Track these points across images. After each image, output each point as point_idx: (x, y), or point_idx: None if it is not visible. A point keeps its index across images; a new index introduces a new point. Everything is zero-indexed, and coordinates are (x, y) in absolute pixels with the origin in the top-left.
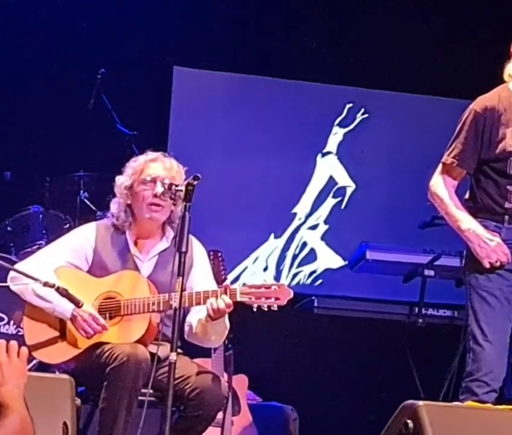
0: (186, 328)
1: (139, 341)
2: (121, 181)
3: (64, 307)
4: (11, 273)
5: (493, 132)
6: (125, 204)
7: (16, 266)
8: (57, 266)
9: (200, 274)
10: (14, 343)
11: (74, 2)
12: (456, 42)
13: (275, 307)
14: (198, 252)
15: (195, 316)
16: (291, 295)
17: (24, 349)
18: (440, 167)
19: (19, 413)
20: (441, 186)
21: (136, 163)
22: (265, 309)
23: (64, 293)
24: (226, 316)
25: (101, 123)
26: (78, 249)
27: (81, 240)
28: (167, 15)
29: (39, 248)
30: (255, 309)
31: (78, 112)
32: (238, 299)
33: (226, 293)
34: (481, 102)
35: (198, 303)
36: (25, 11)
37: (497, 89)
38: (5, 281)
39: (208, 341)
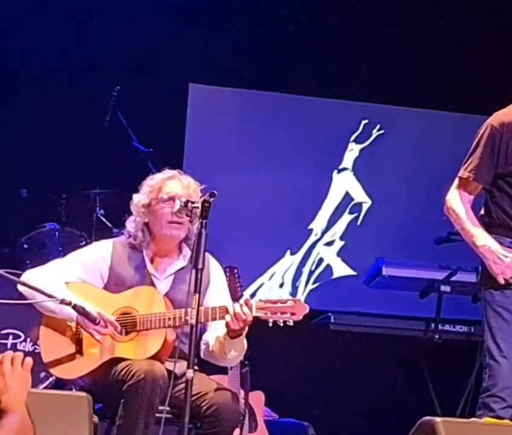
0: (203, 346)
1: (154, 357)
2: (138, 199)
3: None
4: (24, 278)
5: (509, 147)
6: (143, 222)
7: (28, 273)
8: (69, 281)
9: (217, 293)
10: (19, 354)
11: (90, 20)
12: (472, 58)
13: (290, 323)
14: (214, 270)
15: (213, 334)
16: (307, 310)
17: (28, 359)
18: (456, 181)
19: (20, 414)
20: (457, 201)
21: (153, 181)
22: (281, 324)
23: (81, 310)
24: (244, 337)
25: (116, 140)
26: (91, 267)
27: (96, 258)
28: (182, 32)
29: None
30: (270, 324)
31: (94, 129)
32: (254, 314)
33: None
34: (498, 117)
35: (214, 318)
36: (41, 28)
37: None
38: (21, 299)
39: (224, 360)
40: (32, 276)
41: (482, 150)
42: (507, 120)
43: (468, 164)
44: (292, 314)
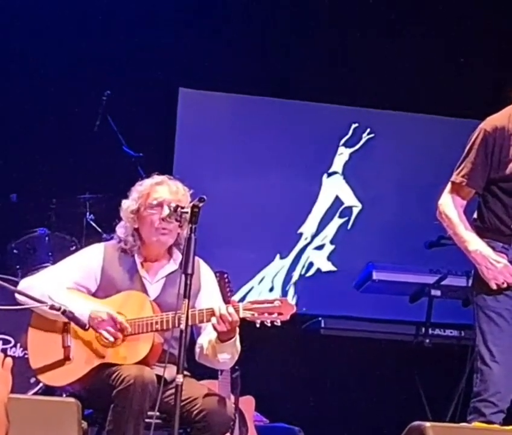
0: (198, 350)
1: (143, 361)
2: (127, 205)
3: (81, 312)
4: (22, 285)
5: (502, 152)
6: (132, 228)
7: (24, 281)
8: (65, 287)
9: (208, 298)
10: None
11: (80, 25)
12: (463, 61)
13: (278, 323)
14: (205, 275)
15: (206, 337)
16: (294, 310)
17: (8, 359)
18: (449, 186)
19: None
20: (449, 206)
21: (142, 187)
22: (269, 324)
23: (70, 316)
24: (238, 338)
25: (106, 145)
26: (87, 270)
27: (90, 261)
28: (173, 37)
29: None
30: (258, 325)
31: (84, 134)
32: (241, 315)
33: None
34: (491, 122)
35: (201, 321)
36: (30, 32)
37: (507, 109)
38: (12, 304)
39: (218, 363)
40: (33, 283)
41: (475, 155)
42: (500, 125)
43: (461, 169)
44: (279, 314)
